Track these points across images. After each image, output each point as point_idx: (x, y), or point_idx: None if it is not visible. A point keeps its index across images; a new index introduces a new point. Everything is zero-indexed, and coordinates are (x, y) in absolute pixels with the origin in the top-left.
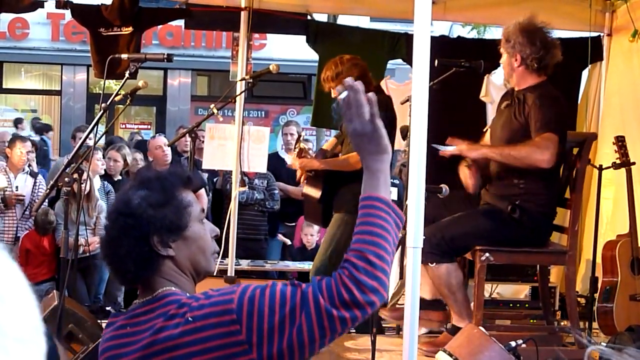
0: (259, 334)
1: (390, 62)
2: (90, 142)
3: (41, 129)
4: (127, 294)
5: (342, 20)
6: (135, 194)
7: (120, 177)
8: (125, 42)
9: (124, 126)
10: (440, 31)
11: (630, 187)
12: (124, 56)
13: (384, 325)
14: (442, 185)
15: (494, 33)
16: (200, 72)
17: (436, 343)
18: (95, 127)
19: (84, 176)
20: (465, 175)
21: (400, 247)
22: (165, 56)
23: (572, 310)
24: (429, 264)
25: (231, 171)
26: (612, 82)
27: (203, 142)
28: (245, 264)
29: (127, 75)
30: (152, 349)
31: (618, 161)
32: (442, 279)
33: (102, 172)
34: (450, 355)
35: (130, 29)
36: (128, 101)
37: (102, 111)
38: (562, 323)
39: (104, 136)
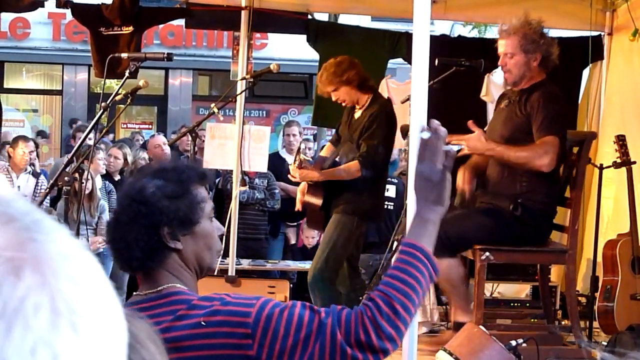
0: (269, 353)
1: (391, 61)
2: (91, 142)
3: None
4: (129, 296)
5: (343, 19)
6: (150, 182)
7: (120, 177)
8: (126, 42)
9: (125, 126)
10: (441, 30)
11: (630, 186)
12: (124, 55)
13: None
14: None
15: (494, 32)
16: (202, 71)
17: (439, 341)
18: (95, 126)
19: (85, 175)
20: (463, 179)
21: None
22: (165, 55)
23: (573, 309)
24: None
25: (231, 170)
26: (613, 81)
27: (204, 141)
28: (246, 263)
29: (127, 74)
30: None
31: (619, 160)
32: (443, 274)
33: (104, 171)
34: (451, 354)
35: (131, 28)
36: (129, 101)
37: (101, 110)
38: (563, 322)
39: (106, 134)
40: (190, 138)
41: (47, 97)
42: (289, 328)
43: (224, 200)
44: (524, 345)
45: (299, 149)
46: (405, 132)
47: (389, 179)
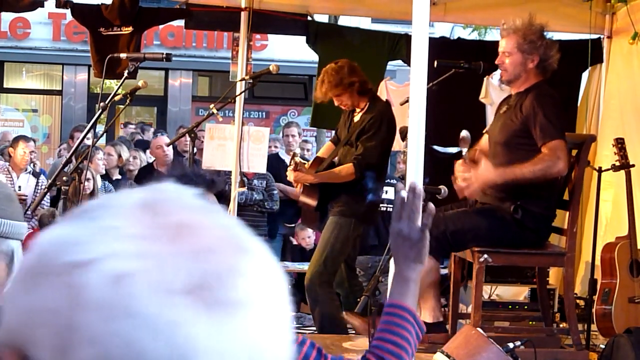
0: None
1: (390, 63)
2: (89, 142)
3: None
4: None
5: (343, 21)
6: None
7: (119, 177)
8: (125, 42)
9: (124, 126)
10: (441, 33)
11: (629, 189)
12: (123, 55)
13: None
14: (440, 186)
15: (494, 35)
16: (201, 72)
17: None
18: (94, 126)
19: (84, 175)
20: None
21: None
22: (164, 56)
23: (571, 312)
24: None
25: (230, 171)
26: (612, 85)
27: (203, 142)
28: None
29: (125, 74)
30: None
31: (617, 163)
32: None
33: (103, 171)
34: (448, 356)
35: (130, 28)
36: (128, 101)
37: (100, 110)
38: (561, 325)
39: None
40: (189, 139)
41: (47, 97)
42: None
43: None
44: (522, 347)
45: (294, 154)
46: (404, 134)
47: (388, 181)
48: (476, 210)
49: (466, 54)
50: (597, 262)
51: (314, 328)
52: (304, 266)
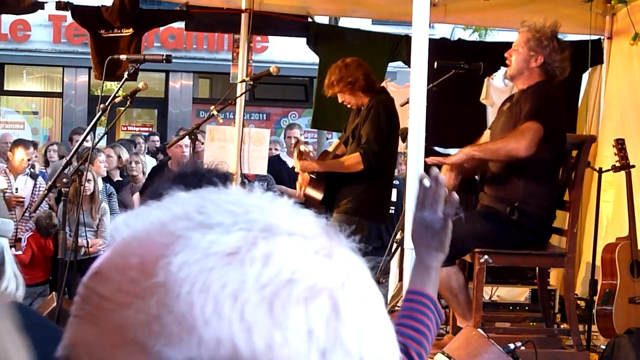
0: None
1: (391, 64)
2: (89, 144)
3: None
4: None
5: (344, 22)
6: (170, 188)
7: (120, 178)
8: (126, 44)
9: (125, 128)
10: (441, 34)
11: (629, 190)
12: (123, 57)
13: None
14: None
15: (495, 36)
16: (202, 74)
17: (440, 345)
18: (94, 128)
19: (84, 177)
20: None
21: (399, 248)
22: (164, 57)
23: (571, 312)
24: None
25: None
26: (612, 85)
27: (202, 143)
28: None
29: (125, 76)
30: None
31: (618, 164)
32: (442, 283)
33: (105, 173)
34: (449, 357)
35: (131, 30)
36: (128, 103)
37: (100, 112)
38: (561, 326)
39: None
40: (189, 140)
41: (48, 99)
42: None
43: None
44: (523, 348)
45: (298, 141)
46: (404, 135)
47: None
48: (475, 214)
49: (466, 55)
50: (598, 262)
51: None
52: None
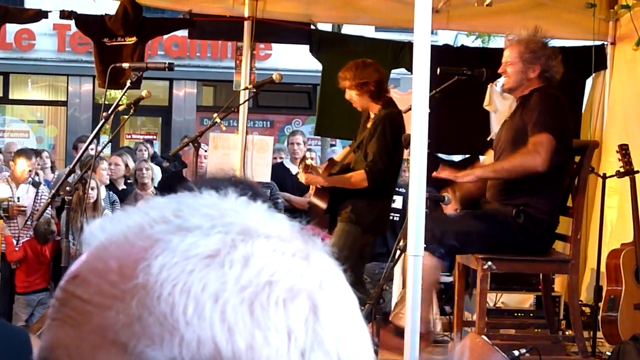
0: None
1: (394, 71)
2: (92, 152)
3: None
4: None
5: (347, 29)
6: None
7: (124, 187)
8: (129, 52)
9: (129, 136)
10: (445, 40)
11: (634, 196)
12: (126, 65)
13: None
14: (444, 194)
15: (498, 42)
16: (206, 82)
17: (444, 351)
18: (97, 136)
19: (88, 185)
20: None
21: (401, 255)
22: (166, 65)
23: (576, 319)
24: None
25: None
26: (616, 91)
27: (206, 151)
28: None
29: (128, 84)
30: None
31: (622, 170)
32: (425, 271)
33: (107, 181)
34: None
35: (134, 39)
36: (131, 111)
37: (103, 120)
38: (566, 332)
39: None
40: (192, 148)
41: (52, 108)
42: None
43: None
44: (527, 355)
45: (305, 156)
46: (407, 142)
47: (398, 189)
48: (479, 214)
49: (469, 62)
50: (603, 268)
51: None
52: None
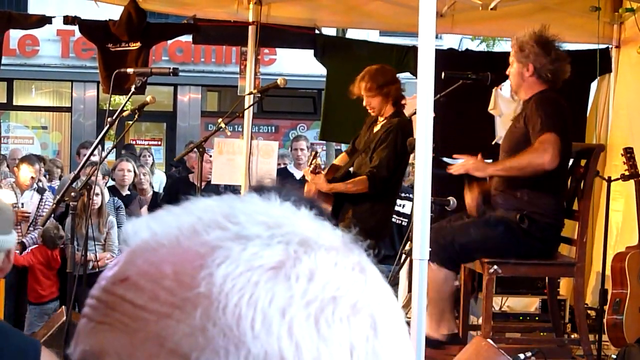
0: None
1: (398, 75)
2: (96, 158)
3: None
4: None
5: (351, 34)
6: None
7: (128, 192)
8: (133, 58)
9: (134, 142)
10: (449, 45)
11: (639, 199)
12: (130, 70)
13: None
14: (449, 198)
15: (503, 46)
16: (210, 87)
17: (449, 355)
18: (101, 142)
19: (92, 191)
20: (469, 197)
21: (407, 259)
22: (171, 70)
23: (581, 322)
24: (430, 262)
25: (239, 186)
26: (621, 94)
27: (211, 156)
28: None
29: (132, 89)
30: None
31: (627, 173)
32: (435, 282)
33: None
34: None
35: (138, 44)
36: (136, 116)
37: (107, 126)
38: (572, 335)
39: (114, 150)
40: (197, 153)
41: (56, 114)
42: None
43: None
44: (533, 358)
45: (316, 152)
46: (412, 146)
47: (407, 195)
48: (483, 221)
49: (474, 66)
50: (608, 272)
51: None
52: None
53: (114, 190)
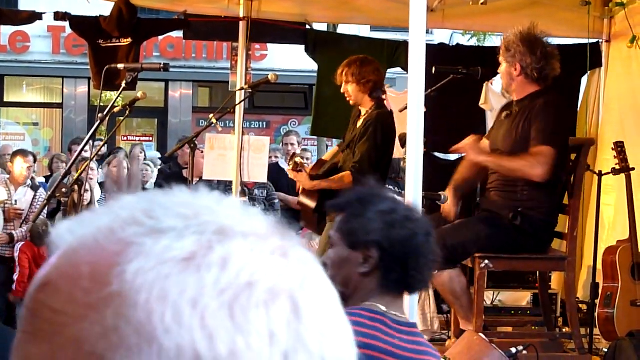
0: None
1: (390, 70)
2: (87, 154)
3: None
4: None
5: (342, 29)
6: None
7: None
8: (124, 54)
9: (125, 138)
10: (440, 39)
11: (629, 193)
12: (120, 66)
13: None
14: (440, 193)
15: (494, 41)
16: (202, 83)
17: (442, 350)
18: (92, 138)
19: (83, 187)
20: (450, 202)
21: None
22: (162, 66)
23: (573, 316)
24: None
25: (230, 181)
26: (611, 88)
27: (202, 152)
28: None
29: (123, 85)
30: None
31: (617, 167)
32: (445, 286)
33: (96, 183)
34: None
35: (129, 40)
36: (127, 112)
37: (98, 122)
38: (563, 329)
39: (105, 146)
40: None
41: (48, 110)
42: None
43: None
44: (525, 352)
45: (294, 153)
46: (403, 141)
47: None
48: (476, 219)
49: (465, 60)
50: (599, 266)
51: None
52: None
53: (104, 187)
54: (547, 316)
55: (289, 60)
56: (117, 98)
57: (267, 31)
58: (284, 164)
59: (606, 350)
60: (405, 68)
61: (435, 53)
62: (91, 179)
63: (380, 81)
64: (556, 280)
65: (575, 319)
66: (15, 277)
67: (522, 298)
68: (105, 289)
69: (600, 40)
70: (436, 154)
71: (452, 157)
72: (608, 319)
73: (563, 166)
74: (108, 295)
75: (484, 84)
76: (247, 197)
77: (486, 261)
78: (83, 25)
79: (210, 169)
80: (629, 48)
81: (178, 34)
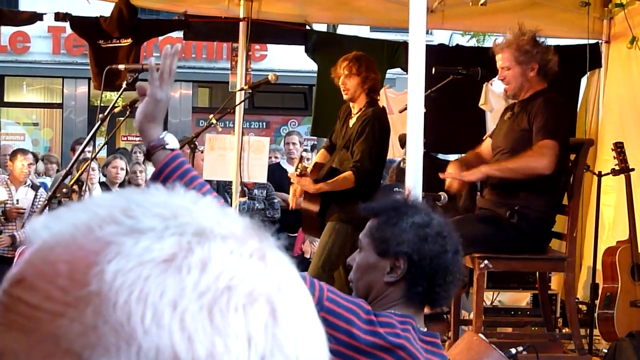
0: None
1: (389, 71)
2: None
3: None
4: None
5: (342, 30)
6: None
7: (118, 189)
8: (125, 54)
9: (125, 138)
10: (440, 40)
11: (629, 193)
12: (121, 67)
13: None
14: (440, 193)
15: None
16: (201, 83)
17: None
18: (93, 138)
19: (85, 188)
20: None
21: None
22: None
23: (572, 316)
24: None
25: (230, 182)
26: (611, 89)
27: (202, 152)
28: None
29: (124, 85)
30: None
31: (617, 167)
32: None
33: (97, 183)
34: None
35: (129, 40)
36: (127, 113)
37: (99, 122)
38: (563, 330)
39: (105, 147)
40: (188, 150)
41: (48, 110)
42: None
43: None
44: (524, 353)
45: (301, 157)
46: (403, 141)
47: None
48: (474, 217)
49: (465, 61)
50: (599, 266)
51: None
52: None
53: (105, 187)
54: (546, 317)
55: (289, 60)
56: (117, 99)
57: (267, 32)
58: (285, 164)
59: (606, 350)
60: (405, 68)
61: (435, 54)
62: (92, 179)
63: (378, 80)
64: (556, 280)
65: (575, 320)
66: None
67: (522, 298)
68: (83, 289)
69: (600, 41)
70: (435, 154)
71: (452, 157)
72: (608, 320)
73: (562, 165)
74: (87, 294)
75: (484, 85)
76: (247, 197)
77: (485, 261)
78: (83, 26)
79: (210, 169)
80: (628, 49)
81: (178, 34)
